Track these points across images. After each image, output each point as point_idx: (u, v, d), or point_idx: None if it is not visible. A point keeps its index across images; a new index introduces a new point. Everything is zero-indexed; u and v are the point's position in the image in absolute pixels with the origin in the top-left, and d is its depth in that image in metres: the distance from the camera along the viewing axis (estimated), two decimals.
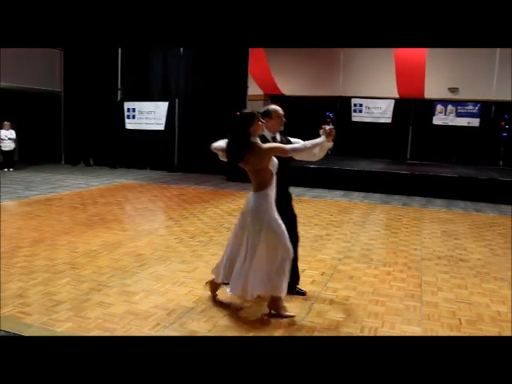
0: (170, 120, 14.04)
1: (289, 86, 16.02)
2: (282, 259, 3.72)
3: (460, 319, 3.98)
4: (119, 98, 14.59)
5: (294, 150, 3.88)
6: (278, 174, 3.84)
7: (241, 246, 3.84)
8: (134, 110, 14.47)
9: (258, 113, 3.99)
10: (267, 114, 4.15)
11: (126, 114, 14.51)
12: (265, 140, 4.00)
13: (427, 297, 4.47)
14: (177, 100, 13.97)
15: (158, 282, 4.56)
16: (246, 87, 12.94)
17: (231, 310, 3.97)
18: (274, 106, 4.25)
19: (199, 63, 13.58)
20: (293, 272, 4.00)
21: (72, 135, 15.22)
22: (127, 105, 14.50)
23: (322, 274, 5.03)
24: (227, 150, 3.81)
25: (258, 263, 3.72)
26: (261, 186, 3.78)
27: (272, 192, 3.80)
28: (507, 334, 3.72)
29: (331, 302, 4.24)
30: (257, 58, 13.44)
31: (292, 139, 4.25)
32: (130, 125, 14.53)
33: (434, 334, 3.64)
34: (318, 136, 3.98)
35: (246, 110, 3.98)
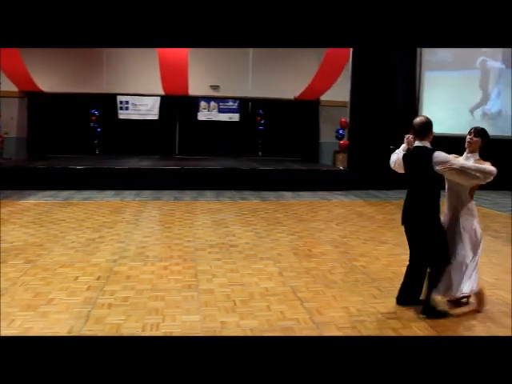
0: None
1: (48, 83, 14.87)
2: None
3: (234, 301, 4.27)
4: None
5: None
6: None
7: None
8: None
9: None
10: (428, 126, 3.99)
11: None
12: (430, 153, 3.91)
13: (203, 285, 4.67)
14: None
15: None
16: None
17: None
18: (427, 117, 4.08)
19: None
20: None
21: None
22: None
23: (98, 278, 4.83)
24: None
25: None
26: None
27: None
28: (275, 307, 4.11)
29: (110, 305, 4.11)
30: (8, 51, 12.07)
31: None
32: None
33: (212, 320, 3.82)
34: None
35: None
